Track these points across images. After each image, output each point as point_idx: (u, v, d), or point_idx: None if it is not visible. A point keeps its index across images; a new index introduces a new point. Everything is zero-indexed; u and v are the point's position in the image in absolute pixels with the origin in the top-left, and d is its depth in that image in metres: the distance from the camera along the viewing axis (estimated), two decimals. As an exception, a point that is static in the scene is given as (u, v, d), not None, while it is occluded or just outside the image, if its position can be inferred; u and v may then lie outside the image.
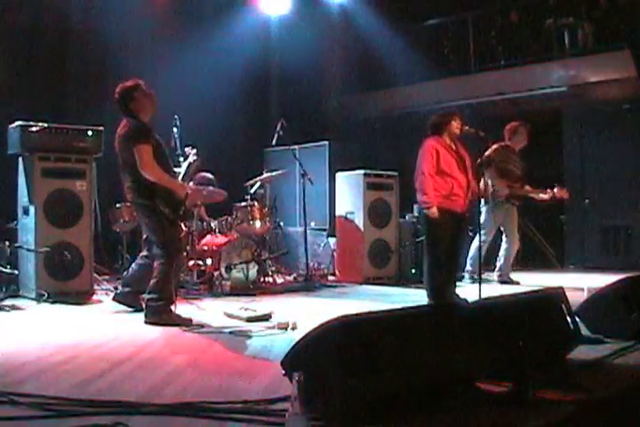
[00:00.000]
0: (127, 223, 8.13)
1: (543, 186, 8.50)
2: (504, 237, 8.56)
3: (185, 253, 7.86)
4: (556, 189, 8.41)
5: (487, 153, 7.99)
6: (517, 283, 8.48)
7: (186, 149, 6.60)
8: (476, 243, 8.20)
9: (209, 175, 8.44)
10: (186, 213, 6.01)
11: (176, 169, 6.21)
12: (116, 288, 6.79)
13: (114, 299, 6.32)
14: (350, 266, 9.28)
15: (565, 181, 11.58)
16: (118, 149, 5.81)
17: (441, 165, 6.21)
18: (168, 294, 5.65)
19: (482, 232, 8.01)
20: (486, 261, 8.40)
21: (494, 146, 8.19)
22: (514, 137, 8.49)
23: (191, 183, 7.62)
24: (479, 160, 6.87)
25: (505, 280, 8.44)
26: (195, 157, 6.34)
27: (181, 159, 6.69)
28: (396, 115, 12.80)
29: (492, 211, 8.34)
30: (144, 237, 6.18)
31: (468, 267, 8.43)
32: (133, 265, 6.37)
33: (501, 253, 8.59)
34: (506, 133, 8.50)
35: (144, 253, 6.24)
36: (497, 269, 8.58)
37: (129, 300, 6.22)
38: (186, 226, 8.01)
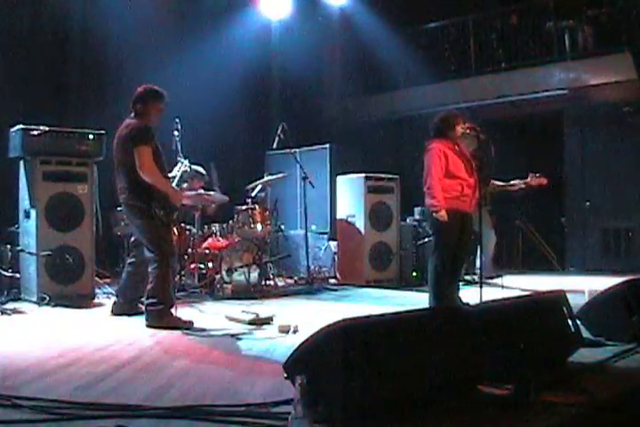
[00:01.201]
0: (128, 226, 8.11)
1: (543, 188, 8.45)
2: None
3: (186, 257, 7.87)
4: (529, 178, 8.27)
5: None
6: (499, 276, 8.40)
7: (181, 160, 6.60)
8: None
9: (200, 169, 8.31)
10: (179, 218, 5.99)
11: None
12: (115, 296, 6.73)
13: (113, 313, 6.25)
14: (351, 269, 9.28)
15: (566, 183, 11.61)
16: (117, 148, 5.82)
17: (450, 167, 6.18)
18: (167, 297, 5.63)
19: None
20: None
21: None
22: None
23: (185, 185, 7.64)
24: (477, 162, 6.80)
25: (488, 277, 8.31)
26: (186, 167, 6.38)
27: (179, 163, 6.68)
28: (397, 118, 12.81)
29: None
30: (132, 240, 6.17)
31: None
32: (123, 274, 6.36)
33: (476, 253, 8.56)
34: None
35: (130, 259, 6.24)
36: (477, 268, 8.56)
37: (127, 309, 6.19)
38: (187, 229, 8.02)
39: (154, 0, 10.51)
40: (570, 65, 11.01)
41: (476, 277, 8.49)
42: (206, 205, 8.22)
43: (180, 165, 6.56)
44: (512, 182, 8.38)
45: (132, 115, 5.86)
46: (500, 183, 8.44)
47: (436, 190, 6.11)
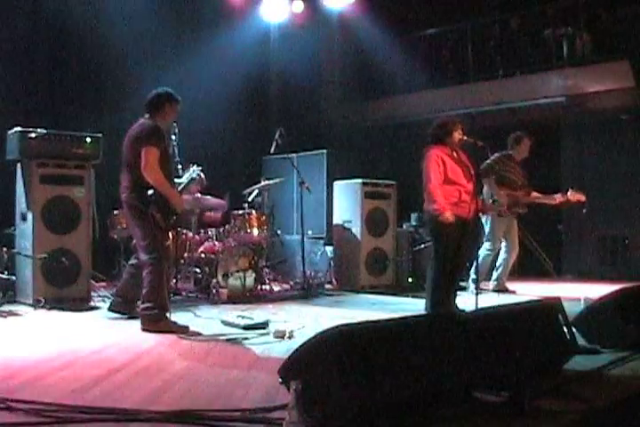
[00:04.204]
0: (125, 230, 8.07)
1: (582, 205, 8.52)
2: (503, 247, 8.52)
3: (182, 261, 7.86)
4: (569, 193, 8.33)
5: (488, 162, 8.06)
6: (513, 292, 8.45)
7: (191, 166, 6.61)
8: (481, 254, 8.18)
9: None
10: (176, 222, 5.96)
11: (176, 180, 6.25)
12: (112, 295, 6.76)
13: (110, 309, 6.32)
14: (347, 274, 9.27)
15: (563, 190, 11.61)
16: (126, 147, 5.81)
17: (448, 173, 6.19)
18: (162, 301, 5.61)
19: (487, 243, 8.09)
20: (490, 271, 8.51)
21: (495, 155, 8.20)
22: (516, 146, 8.45)
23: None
24: (479, 169, 6.88)
25: (500, 289, 8.41)
26: (197, 174, 6.37)
27: (180, 170, 6.67)
28: (395, 124, 12.82)
29: (494, 221, 8.32)
30: (133, 242, 6.15)
31: (473, 276, 8.39)
32: (124, 274, 6.40)
33: (499, 262, 8.56)
34: (509, 142, 8.49)
35: (133, 260, 6.26)
36: (493, 278, 8.56)
37: (124, 309, 6.22)
38: (183, 233, 8.01)
39: (153, 4, 10.50)
40: (568, 72, 11.02)
41: (490, 285, 8.53)
42: (204, 211, 8.22)
43: (190, 170, 6.55)
44: (553, 196, 8.40)
45: (147, 116, 5.87)
46: (536, 195, 8.44)
47: (437, 195, 6.12)
